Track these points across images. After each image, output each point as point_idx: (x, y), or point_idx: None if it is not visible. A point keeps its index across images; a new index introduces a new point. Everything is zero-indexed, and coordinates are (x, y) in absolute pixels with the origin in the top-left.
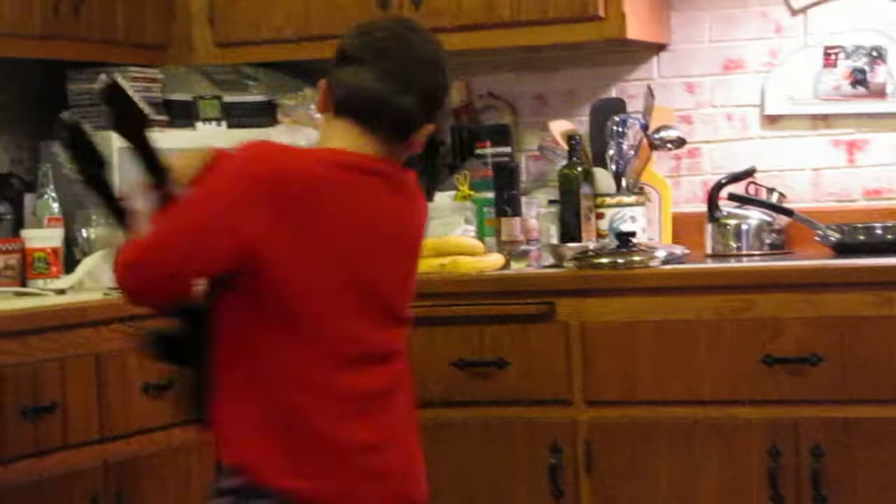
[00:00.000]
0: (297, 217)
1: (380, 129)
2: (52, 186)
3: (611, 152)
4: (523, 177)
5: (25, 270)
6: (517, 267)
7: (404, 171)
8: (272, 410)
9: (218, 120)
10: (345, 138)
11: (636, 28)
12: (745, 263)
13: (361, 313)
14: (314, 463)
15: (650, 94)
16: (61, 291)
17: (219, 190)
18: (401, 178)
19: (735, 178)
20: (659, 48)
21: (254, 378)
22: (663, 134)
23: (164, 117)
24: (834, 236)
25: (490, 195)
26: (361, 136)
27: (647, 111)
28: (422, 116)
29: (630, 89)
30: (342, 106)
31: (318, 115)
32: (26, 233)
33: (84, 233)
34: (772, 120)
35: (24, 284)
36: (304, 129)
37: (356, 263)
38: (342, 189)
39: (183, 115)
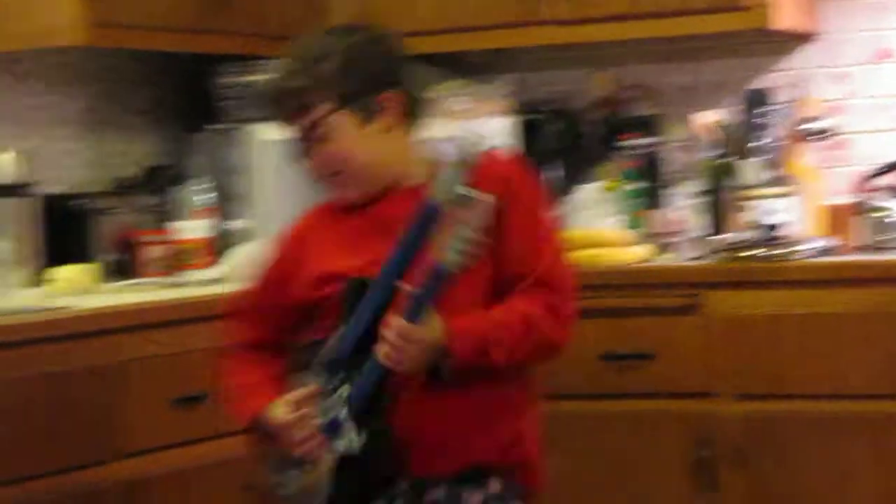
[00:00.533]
0: None
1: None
2: (201, 178)
3: (758, 143)
4: (669, 168)
5: (176, 262)
6: (663, 258)
7: None
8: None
9: None
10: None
11: (782, 17)
12: (895, 256)
13: None
14: None
15: (799, 84)
16: (211, 282)
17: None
18: None
19: (884, 168)
20: (807, 37)
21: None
22: (812, 125)
23: None
24: None
25: (637, 186)
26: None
27: (795, 102)
28: None
29: (778, 79)
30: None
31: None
32: (176, 224)
33: (233, 224)
34: None
35: (174, 275)
36: (448, 121)
37: None
38: None
39: None
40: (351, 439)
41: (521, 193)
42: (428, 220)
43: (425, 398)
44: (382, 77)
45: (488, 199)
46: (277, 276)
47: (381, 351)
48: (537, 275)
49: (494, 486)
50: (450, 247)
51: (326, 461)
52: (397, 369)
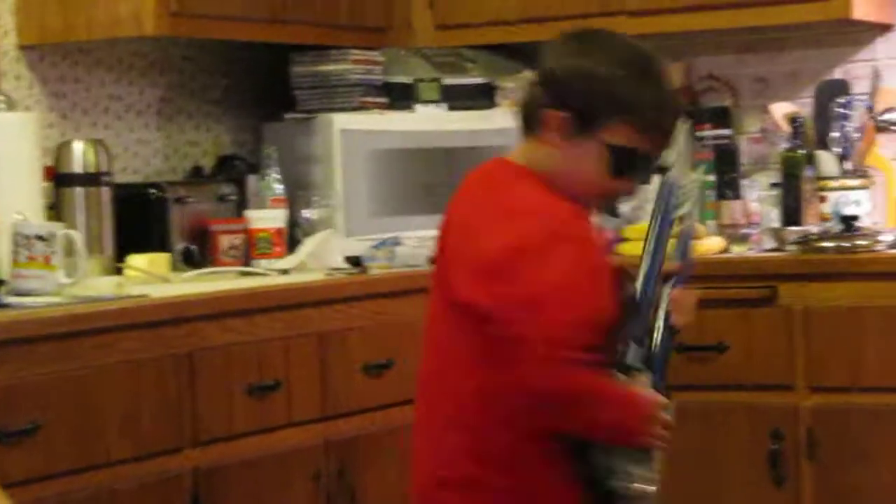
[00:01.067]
0: None
1: None
2: (275, 167)
3: (835, 134)
4: (744, 159)
5: (249, 250)
6: (738, 250)
7: None
8: None
9: (437, 102)
10: None
11: (862, 8)
12: None
13: None
14: None
15: (876, 75)
16: (284, 271)
17: None
18: None
19: None
20: (886, 28)
21: None
22: (889, 116)
23: (383, 99)
24: None
25: (711, 178)
26: None
27: (873, 92)
28: None
29: (855, 70)
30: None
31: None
32: (250, 213)
33: (306, 213)
34: None
35: (247, 264)
36: None
37: None
38: None
39: (403, 97)
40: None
41: None
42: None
43: None
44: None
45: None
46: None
47: (681, 321)
48: None
49: None
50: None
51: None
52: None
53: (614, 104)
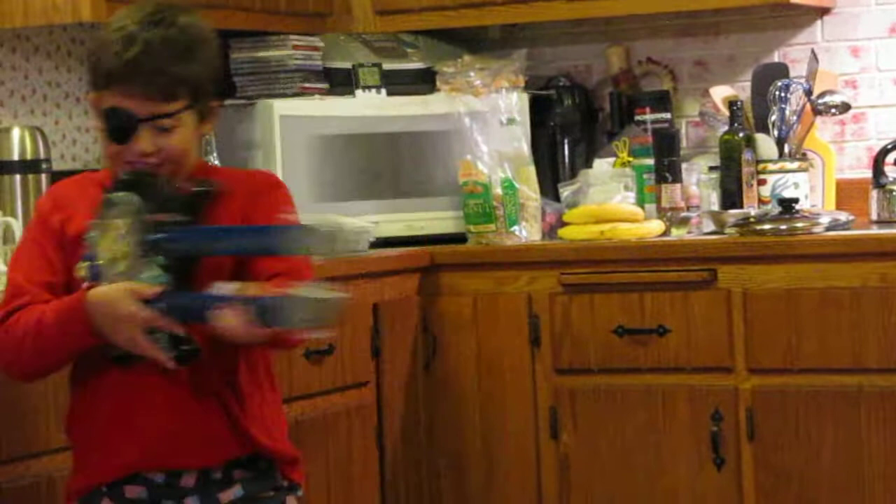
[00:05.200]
0: None
1: None
2: (214, 154)
3: (773, 118)
4: (683, 143)
5: None
6: (677, 234)
7: None
8: None
9: (377, 87)
10: None
11: None
12: None
13: None
14: None
15: (814, 58)
16: None
17: None
18: None
19: None
20: (823, 11)
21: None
22: (827, 99)
23: (324, 85)
24: None
25: (650, 162)
26: None
27: (811, 76)
28: None
29: (793, 54)
30: None
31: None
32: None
33: None
34: None
35: None
36: (463, 96)
37: None
38: None
39: (343, 82)
40: None
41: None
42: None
43: None
44: (221, 83)
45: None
46: None
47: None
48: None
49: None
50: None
51: None
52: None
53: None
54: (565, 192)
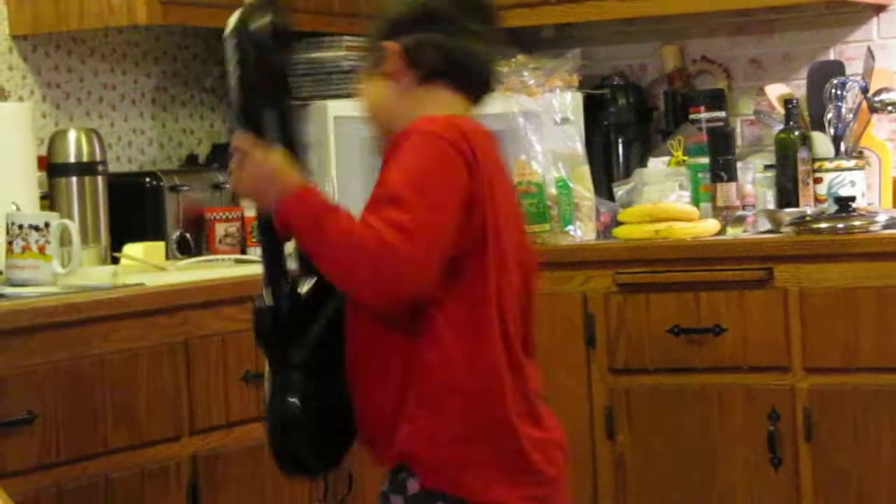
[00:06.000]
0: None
1: (476, 92)
2: None
3: (829, 116)
4: (738, 142)
5: (245, 238)
6: (733, 232)
7: None
8: None
9: None
10: (448, 105)
11: None
12: None
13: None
14: None
15: (870, 55)
16: None
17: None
18: None
19: None
20: (879, 9)
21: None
22: (884, 96)
23: None
24: None
25: (705, 160)
26: (462, 102)
27: (867, 73)
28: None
29: (849, 51)
30: (437, 71)
31: (392, 82)
32: (246, 201)
33: None
34: None
35: (243, 252)
36: (517, 96)
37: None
38: (497, 159)
39: None
40: None
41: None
42: None
43: None
44: (394, 26)
45: None
46: None
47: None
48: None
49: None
50: None
51: None
52: (237, 191)
53: None
54: (620, 191)
